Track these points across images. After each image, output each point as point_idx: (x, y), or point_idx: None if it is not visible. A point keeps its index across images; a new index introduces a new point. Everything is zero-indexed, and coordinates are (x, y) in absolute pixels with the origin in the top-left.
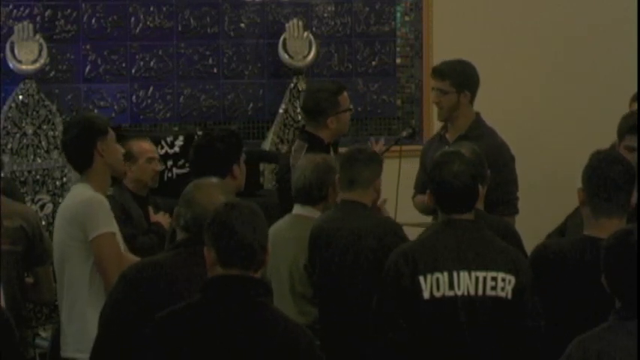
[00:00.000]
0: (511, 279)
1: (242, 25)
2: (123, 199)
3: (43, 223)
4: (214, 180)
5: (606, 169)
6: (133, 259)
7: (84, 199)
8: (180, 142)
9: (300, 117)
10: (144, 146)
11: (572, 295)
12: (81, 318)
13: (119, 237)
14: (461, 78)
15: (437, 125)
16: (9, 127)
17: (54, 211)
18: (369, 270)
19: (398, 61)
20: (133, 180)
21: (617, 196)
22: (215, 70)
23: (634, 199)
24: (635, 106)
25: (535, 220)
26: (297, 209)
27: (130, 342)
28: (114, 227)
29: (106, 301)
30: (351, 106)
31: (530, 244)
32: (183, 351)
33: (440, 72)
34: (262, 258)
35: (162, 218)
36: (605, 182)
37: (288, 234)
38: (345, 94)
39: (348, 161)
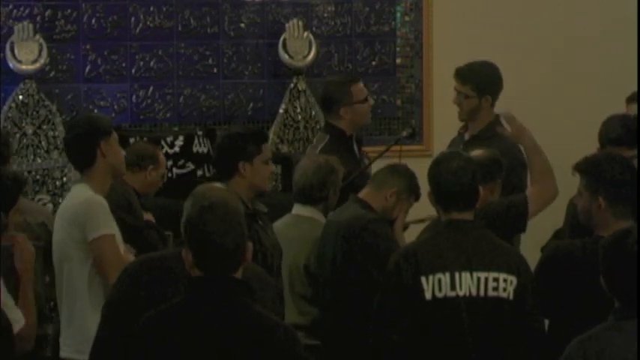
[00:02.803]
0: (512, 280)
1: (242, 25)
2: (126, 192)
3: None
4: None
5: (624, 173)
6: (133, 260)
7: (84, 199)
8: (180, 142)
9: (300, 117)
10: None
11: (583, 295)
12: (80, 318)
13: (119, 238)
14: (482, 83)
15: (437, 125)
16: (9, 127)
17: (54, 211)
18: (339, 263)
19: (398, 61)
20: (149, 183)
21: (632, 198)
22: (215, 70)
23: None
24: (632, 108)
25: (535, 221)
26: (298, 209)
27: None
28: (114, 229)
29: (108, 296)
30: (369, 98)
31: (530, 244)
32: (166, 352)
33: (462, 76)
34: (239, 258)
35: (150, 218)
36: (624, 186)
37: (288, 234)
38: (360, 85)
39: (387, 164)
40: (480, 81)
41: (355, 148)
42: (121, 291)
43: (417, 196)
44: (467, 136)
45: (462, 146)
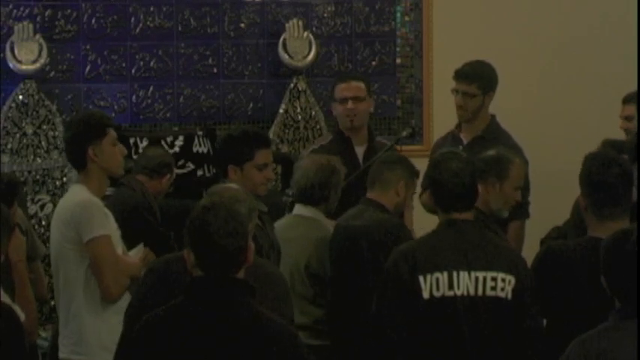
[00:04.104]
0: (511, 279)
1: (242, 25)
2: (147, 194)
3: (43, 223)
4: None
5: (605, 174)
6: (130, 261)
7: (79, 200)
8: (180, 142)
9: (300, 117)
10: None
11: (577, 296)
12: (76, 319)
13: (115, 239)
14: (486, 80)
15: (437, 125)
16: (9, 127)
17: (54, 211)
18: (362, 267)
19: (398, 61)
20: (160, 190)
21: (619, 199)
22: (215, 70)
23: (633, 195)
24: (627, 109)
25: (537, 216)
26: (299, 209)
27: None
28: (109, 230)
29: (134, 294)
30: (350, 102)
31: (528, 244)
32: (167, 352)
33: (466, 75)
34: (241, 259)
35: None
36: (606, 187)
37: (288, 234)
38: (342, 86)
39: (377, 162)
40: (484, 78)
41: (358, 150)
42: (147, 288)
43: (417, 175)
44: (463, 137)
45: (461, 147)
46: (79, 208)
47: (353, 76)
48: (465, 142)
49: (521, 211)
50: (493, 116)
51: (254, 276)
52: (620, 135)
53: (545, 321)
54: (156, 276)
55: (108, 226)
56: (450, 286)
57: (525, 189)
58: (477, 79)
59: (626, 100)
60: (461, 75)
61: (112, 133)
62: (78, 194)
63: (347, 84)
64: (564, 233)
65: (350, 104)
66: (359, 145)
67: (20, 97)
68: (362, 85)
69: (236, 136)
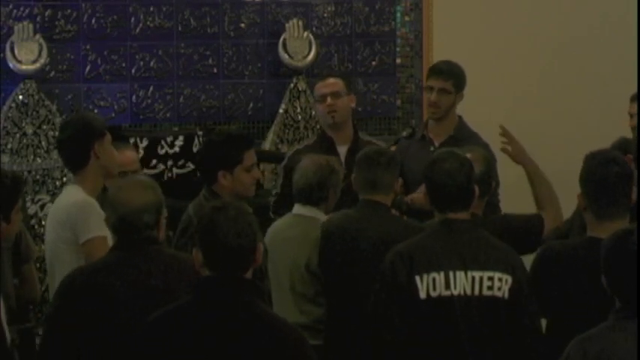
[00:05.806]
0: (508, 279)
1: (242, 25)
2: None
3: (43, 223)
4: (140, 177)
5: (603, 173)
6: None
7: (75, 201)
8: (180, 142)
9: (300, 117)
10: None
11: (576, 296)
12: None
13: (110, 240)
14: (460, 79)
15: None
16: (9, 127)
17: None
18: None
19: (398, 61)
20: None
21: (617, 198)
22: (215, 70)
23: (634, 195)
24: (635, 107)
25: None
26: (298, 209)
27: (71, 345)
28: (105, 231)
29: (49, 304)
30: (328, 99)
31: None
32: (175, 351)
33: (443, 72)
34: (250, 259)
35: None
36: (604, 186)
37: (288, 233)
38: (318, 84)
39: (367, 163)
40: (458, 77)
41: (341, 149)
42: (60, 302)
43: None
44: (433, 137)
45: (432, 148)
46: (75, 208)
47: (330, 74)
48: (437, 142)
49: (492, 209)
50: (460, 117)
51: None
52: (622, 134)
53: (544, 321)
54: (67, 287)
55: (104, 227)
56: (447, 286)
57: (497, 186)
58: (453, 76)
59: (634, 98)
60: (437, 71)
61: (109, 135)
62: (73, 195)
63: (323, 82)
64: (563, 233)
65: (329, 100)
66: (342, 144)
67: (20, 97)
68: (339, 81)
69: (222, 141)
